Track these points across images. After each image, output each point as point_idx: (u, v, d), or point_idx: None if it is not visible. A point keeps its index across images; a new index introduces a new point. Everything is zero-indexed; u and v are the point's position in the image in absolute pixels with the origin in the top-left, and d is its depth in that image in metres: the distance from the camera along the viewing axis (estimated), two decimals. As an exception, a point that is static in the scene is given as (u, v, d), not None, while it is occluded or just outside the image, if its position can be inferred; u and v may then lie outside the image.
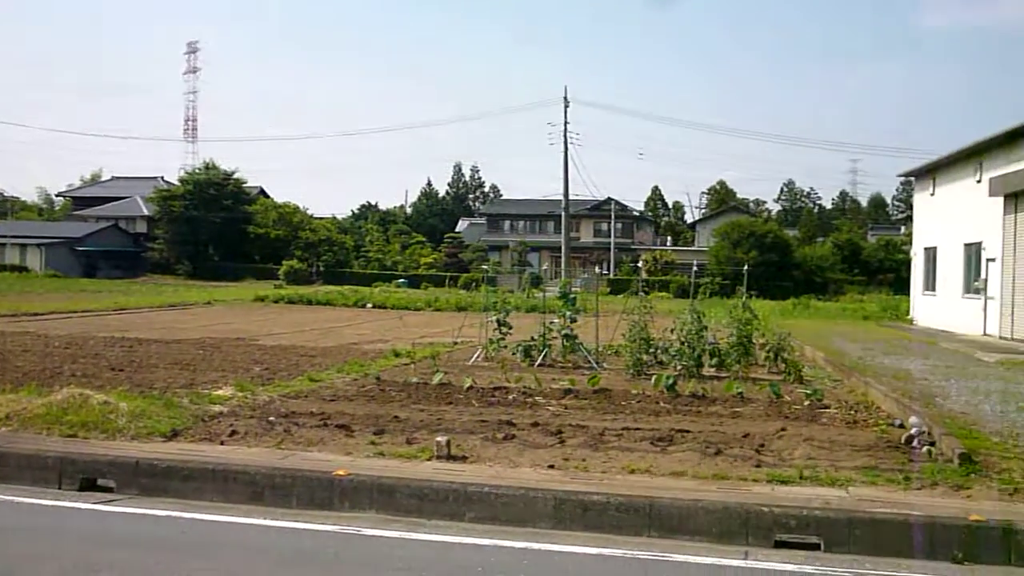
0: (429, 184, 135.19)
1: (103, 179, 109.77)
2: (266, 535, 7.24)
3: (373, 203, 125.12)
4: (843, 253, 73.40)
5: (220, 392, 12.40)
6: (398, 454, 9.06)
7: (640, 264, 53.87)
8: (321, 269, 78.10)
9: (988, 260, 27.87)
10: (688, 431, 10.46)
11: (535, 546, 6.93)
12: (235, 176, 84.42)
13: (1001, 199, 26.64)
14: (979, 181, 28.60)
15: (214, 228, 79.66)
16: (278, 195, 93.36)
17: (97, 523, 7.58)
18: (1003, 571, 6.64)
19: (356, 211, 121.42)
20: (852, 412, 12.32)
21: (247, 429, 10.05)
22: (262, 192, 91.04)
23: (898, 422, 11.20)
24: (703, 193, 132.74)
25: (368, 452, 9.14)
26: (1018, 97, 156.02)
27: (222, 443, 9.48)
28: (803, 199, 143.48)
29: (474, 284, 34.09)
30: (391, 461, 8.80)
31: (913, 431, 10.10)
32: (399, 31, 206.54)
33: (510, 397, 13.03)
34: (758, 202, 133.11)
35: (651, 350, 16.75)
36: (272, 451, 9.13)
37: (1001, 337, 26.23)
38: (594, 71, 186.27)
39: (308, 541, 7.07)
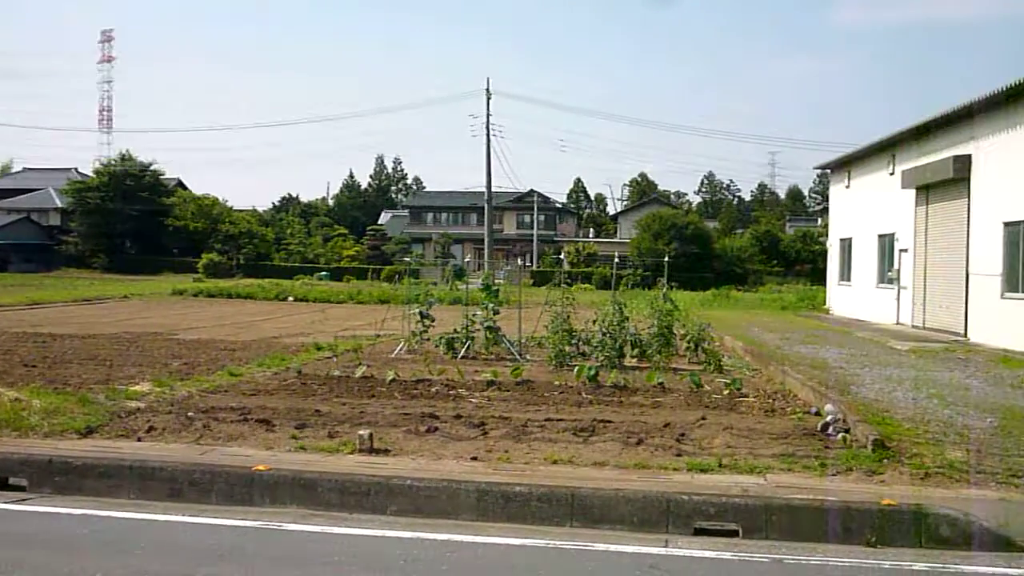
0: (351, 176, 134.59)
1: (14, 170, 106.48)
2: (185, 532, 7.13)
3: (294, 195, 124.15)
4: (762, 244, 74.58)
5: (137, 388, 12.18)
6: (320, 448, 9.00)
7: (563, 256, 54.04)
8: (241, 262, 76.93)
9: (901, 251, 28.53)
10: (610, 421, 10.56)
11: (458, 538, 6.93)
12: (152, 168, 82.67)
13: (913, 191, 27.29)
14: (892, 173, 29.24)
15: (131, 221, 77.94)
16: (197, 188, 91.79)
17: (8, 523, 7.38)
18: (914, 553, 6.81)
19: (277, 203, 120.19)
20: (770, 401, 12.55)
21: (165, 425, 9.90)
22: (180, 184, 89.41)
23: (814, 410, 11.44)
24: (625, 185, 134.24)
25: (289, 447, 9.08)
26: (929, 91, 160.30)
27: (139, 439, 9.33)
28: (723, 191, 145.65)
29: (397, 277, 33.99)
30: (313, 455, 8.74)
31: (829, 418, 10.33)
32: (319, 23, 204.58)
33: (433, 390, 13.01)
34: (679, 194, 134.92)
35: (574, 341, 16.88)
36: (191, 447, 9.01)
37: (913, 326, 26.92)
38: (517, 64, 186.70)
39: (228, 537, 6.98)
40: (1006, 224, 21.43)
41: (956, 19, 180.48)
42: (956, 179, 23.90)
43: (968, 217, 23.57)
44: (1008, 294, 21.19)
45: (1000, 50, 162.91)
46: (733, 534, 7.12)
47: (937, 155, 25.28)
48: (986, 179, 22.70)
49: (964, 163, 23.52)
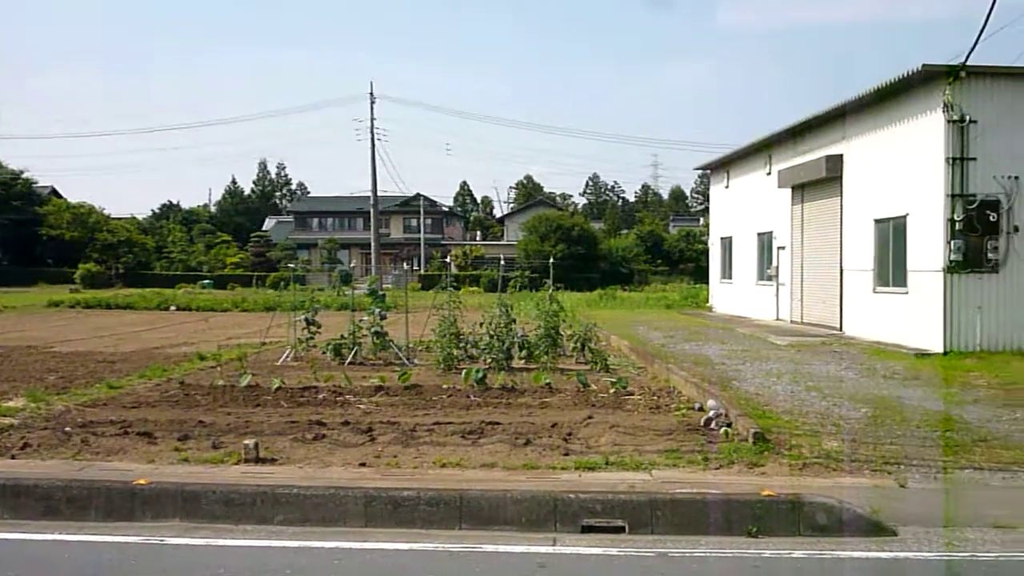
0: (234, 182, 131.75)
1: None
2: (61, 550, 6.91)
3: (175, 202, 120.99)
4: (646, 244, 75.83)
5: (10, 403, 11.81)
6: (204, 460, 8.84)
7: (450, 259, 53.98)
8: (121, 271, 74.83)
9: (779, 248, 29.35)
10: (498, 423, 10.63)
11: (346, 545, 6.89)
12: (24, 176, 79.97)
13: (789, 190, 28.11)
14: (769, 173, 30.05)
15: (2, 231, 75.27)
16: (73, 196, 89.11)
17: None
18: (792, 541, 7.02)
19: (157, 211, 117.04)
20: (655, 398, 12.77)
21: (41, 441, 9.60)
22: (55, 192, 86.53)
23: (698, 406, 11.69)
24: (511, 188, 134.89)
25: (172, 459, 8.89)
26: (802, 94, 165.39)
27: (13, 457, 9.02)
28: (608, 193, 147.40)
29: (283, 283, 33.51)
30: (197, 467, 8.58)
31: (711, 414, 10.58)
32: (201, 25, 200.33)
33: (320, 397, 12.89)
34: (564, 196, 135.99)
35: (461, 344, 16.90)
36: (68, 463, 8.75)
37: (792, 321, 27.72)
38: (401, 67, 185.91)
39: (107, 553, 6.80)
40: (876, 221, 22.24)
41: (843, 22, 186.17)
42: (829, 178, 24.71)
43: (841, 215, 24.39)
44: (879, 288, 22.00)
45: (876, 53, 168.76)
46: (620, 530, 7.22)
47: (811, 155, 26.09)
48: (857, 178, 23.52)
49: (836, 163, 24.34)
